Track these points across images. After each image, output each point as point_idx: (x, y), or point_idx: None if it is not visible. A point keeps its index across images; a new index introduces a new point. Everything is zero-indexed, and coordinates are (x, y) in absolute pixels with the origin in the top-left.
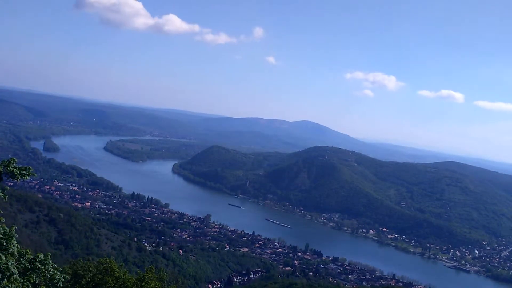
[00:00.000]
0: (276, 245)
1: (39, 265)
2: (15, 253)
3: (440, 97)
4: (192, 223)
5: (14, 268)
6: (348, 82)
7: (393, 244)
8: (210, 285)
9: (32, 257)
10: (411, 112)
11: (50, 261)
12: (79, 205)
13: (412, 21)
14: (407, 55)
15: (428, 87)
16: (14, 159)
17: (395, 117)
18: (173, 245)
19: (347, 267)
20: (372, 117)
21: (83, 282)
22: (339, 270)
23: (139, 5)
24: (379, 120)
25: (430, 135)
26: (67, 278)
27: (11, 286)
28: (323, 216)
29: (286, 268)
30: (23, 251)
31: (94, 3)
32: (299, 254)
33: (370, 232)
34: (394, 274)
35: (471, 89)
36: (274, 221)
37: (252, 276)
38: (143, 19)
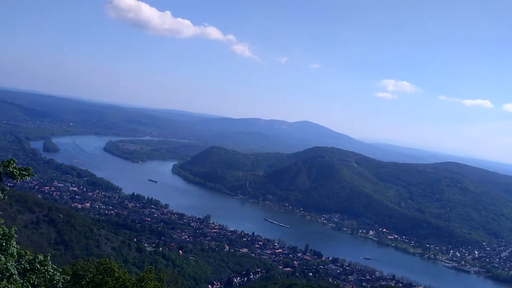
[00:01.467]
0: (276, 245)
1: (39, 266)
2: (15, 254)
3: (442, 99)
4: (192, 224)
5: (13, 269)
6: (358, 85)
7: (393, 244)
8: (210, 286)
9: (31, 258)
10: (412, 114)
11: (50, 262)
12: (79, 206)
13: (414, 24)
14: (412, 57)
15: (434, 90)
16: (14, 160)
17: (395, 118)
18: (173, 245)
19: (347, 268)
20: (373, 118)
21: (83, 282)
22: (339, 271)
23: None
24: (379, 121)
25: (430, 135)
26: (67, 278)
27: (11, 287)
28: (323, 217)
29: (286, 269)
30: (23, 251)
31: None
32: (299, 254)
33: (370, 233)
34: (394, 275)
35: (470, 91)
36: (273, 221)
37: (252, 276)
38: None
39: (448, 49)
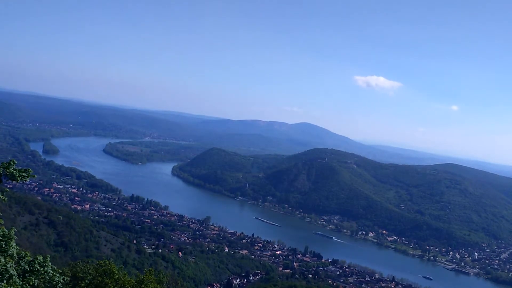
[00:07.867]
0: (275, 247)
1: (38, 268)
2: (15, 255)
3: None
4: (192, 225)
5: (13, 270)
6: (353, 85)
7: (392, 246)
8: (209, 287)
9: (31, 259)
10: (411, 115)
11: (49, 264)
12: (79, 207)
13: (415, 24)
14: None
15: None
16: (13, 161)
17: (394, 119)
18: (172, 247)
19: (346, 270)
20: (373, 119)
21: (82, 284)
22: (338, 272)
23: None
24: (378, 122)
25: (429, 137)
26: (66, 280)
27: None
28: (323, 218)
29: (286, 271)
30: (23, 253)
31: None
32: (299, 256)
33: (369, 235)
34: (393, 277)
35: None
36: (264, 220)
37: (251, 278)
38: None
39: (447, 53)
